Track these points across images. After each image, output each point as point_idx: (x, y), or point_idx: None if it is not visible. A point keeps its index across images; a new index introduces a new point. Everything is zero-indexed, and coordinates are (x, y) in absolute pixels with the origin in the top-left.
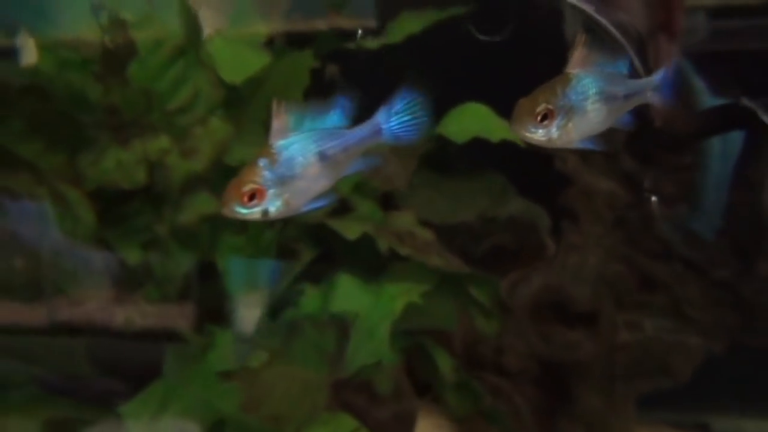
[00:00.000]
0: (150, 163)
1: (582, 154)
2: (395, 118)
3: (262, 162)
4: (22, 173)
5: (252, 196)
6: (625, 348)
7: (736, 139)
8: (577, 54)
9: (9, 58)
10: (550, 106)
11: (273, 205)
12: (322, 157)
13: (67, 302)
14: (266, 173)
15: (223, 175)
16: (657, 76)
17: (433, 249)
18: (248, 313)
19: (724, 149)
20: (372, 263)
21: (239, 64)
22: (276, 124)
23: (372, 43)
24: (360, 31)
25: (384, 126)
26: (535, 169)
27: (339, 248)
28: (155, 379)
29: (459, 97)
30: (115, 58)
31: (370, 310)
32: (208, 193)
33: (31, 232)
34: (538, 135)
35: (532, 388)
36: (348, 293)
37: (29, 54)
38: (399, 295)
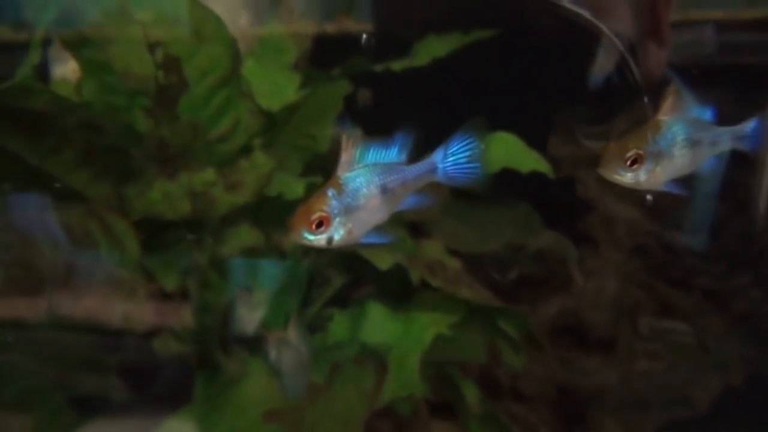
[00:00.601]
0: (195, 195)
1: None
2: (451, 159)
3: (330, 192)
4: (73, 204)
5: (320, 224)
6: (643, 376)
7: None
8: (668, 102)
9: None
10: (640, 152)
11: (337, 234)
12: (384, 190)
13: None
14: (334, 202)
15: (261, 205)
16: (748, 126)
17: (462, 280)
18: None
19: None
20: (398, 289)
21: (273, 89)
22: (344, 156)
23: (397, 65)
24: (365, 36)
25: (440, 165)
26: (556, 196)
27: (366, 274)
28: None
29: None
30: (167, 95)
31: (400, 340)
32: (249, 224)
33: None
34: (626, 178)
35: (550, 413)
36: (378, 322)
37: (63, 67)
38: (429, 326)
